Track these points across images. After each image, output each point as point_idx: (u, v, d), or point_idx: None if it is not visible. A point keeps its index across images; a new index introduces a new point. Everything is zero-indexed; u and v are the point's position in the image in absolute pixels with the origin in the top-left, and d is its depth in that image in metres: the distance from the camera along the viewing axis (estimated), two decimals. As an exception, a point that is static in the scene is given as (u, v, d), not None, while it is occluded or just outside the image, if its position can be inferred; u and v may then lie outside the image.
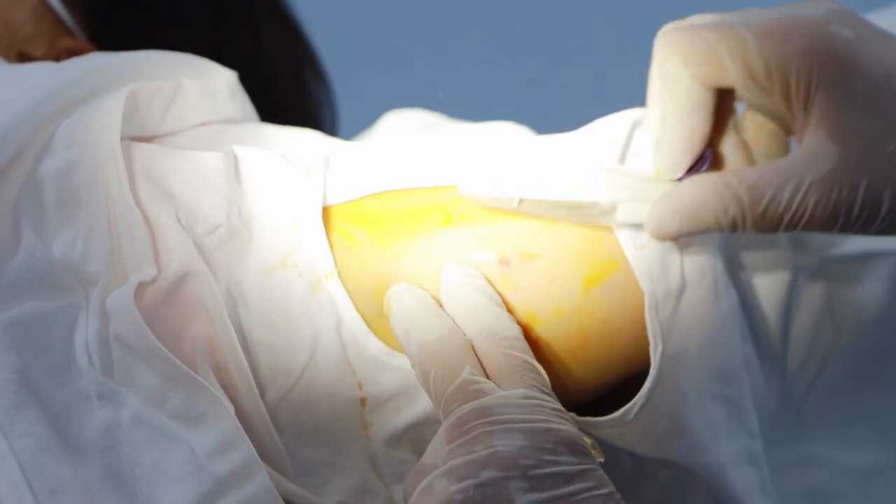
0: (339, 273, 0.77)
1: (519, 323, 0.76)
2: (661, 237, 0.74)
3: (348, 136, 1.10)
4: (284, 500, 0.72)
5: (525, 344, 0.74)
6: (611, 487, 0.67)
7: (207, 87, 0.85)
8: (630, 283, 0.77)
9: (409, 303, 0.75)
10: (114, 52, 0.84)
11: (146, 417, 0.71)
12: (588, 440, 0.70)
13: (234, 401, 0.73)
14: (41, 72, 0.80)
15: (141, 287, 0.72)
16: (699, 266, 0.77)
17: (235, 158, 0.78)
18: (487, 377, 0.72)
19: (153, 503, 0.70)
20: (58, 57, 1.03)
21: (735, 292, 0.81)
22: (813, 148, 0.71)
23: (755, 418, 0.82)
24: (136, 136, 0.80)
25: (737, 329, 0.81)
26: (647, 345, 0.77)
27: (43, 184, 0.74)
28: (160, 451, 0.71)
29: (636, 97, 0.85)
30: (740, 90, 0.73)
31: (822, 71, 0.71)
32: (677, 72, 0.72)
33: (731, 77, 0.72)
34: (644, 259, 0.76)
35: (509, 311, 0.76)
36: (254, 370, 0.75)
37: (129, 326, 0.71)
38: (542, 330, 0.77)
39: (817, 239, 0.87)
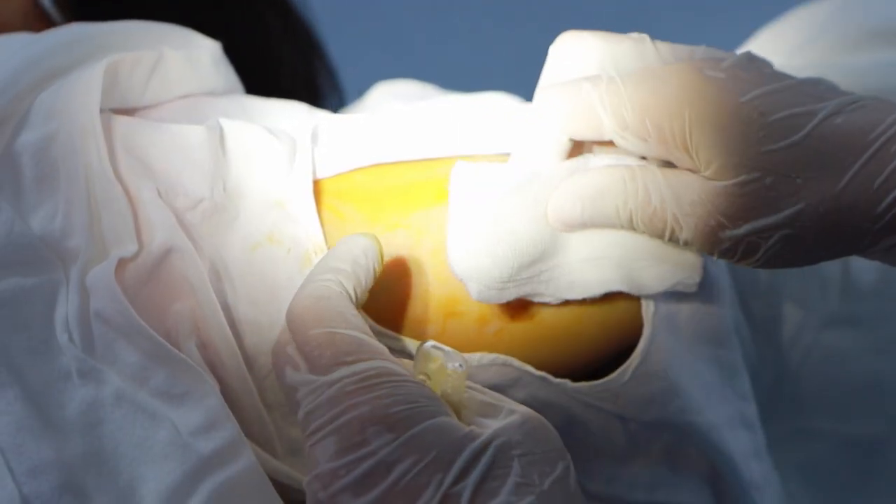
0: (328, 249, 0.75)
1: (517, 301, 0.75)
2: (563, 225, 0.73)
3: (337, 107, 1.09)
4: (271, 478, 0.71)
5: (337, 308, 0.68)
6: (440, 444, 0.63)
7: (190, 57, 0.84)
8: None
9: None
10: (93, 22, 0.83)
11: (129, 395, 0.69)
12: (433, 363, 0.66)
13: (220, 378, 0.72)
14: (17, 42, 0.79)
15: (122, 263, 0.71)
16: None
17: (221, 131, 0.77)
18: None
19: (136, 482, 0.69)
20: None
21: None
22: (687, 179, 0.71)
23: (748, 382, 0.82)
24: (117, 109, 0.78)
25: (727, 293, 0.80)
26: (640, 308, 0.77)
27: (20, 157, 0.72)
28: (143, 429, 0.69)
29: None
30: (617, 141, 0.72)
31: (693, 112, 0.70)
32: (552, 131, 0.72)
33: (608, 131, 0.71)
34: None
35: None
36: (239, 347, 0.74)
37: (109, 303, 0.70)
38: (537, 306, 0.76)
39: None
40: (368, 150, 0.79)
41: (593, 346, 0.78)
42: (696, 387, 0.78)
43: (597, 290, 0.75)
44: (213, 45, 0.87)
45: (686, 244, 0.71)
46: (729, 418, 0.80)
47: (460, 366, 0.67)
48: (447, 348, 0.67)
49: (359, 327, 0.67)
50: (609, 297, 0.76)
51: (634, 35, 0.74)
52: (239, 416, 0.71)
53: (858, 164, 0.69)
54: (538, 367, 0.76)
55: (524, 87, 0.99)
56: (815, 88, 0.71)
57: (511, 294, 0.74)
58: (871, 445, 0.91)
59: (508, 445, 0.64)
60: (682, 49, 0.74)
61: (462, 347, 0.75)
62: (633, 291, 0.76)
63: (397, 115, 0.82)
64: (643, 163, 0.73)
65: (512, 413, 0.65)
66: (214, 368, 0.72)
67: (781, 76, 0.72)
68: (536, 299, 0.75)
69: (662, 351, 0.77)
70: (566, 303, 0.76)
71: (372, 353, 0.66)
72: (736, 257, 0.71)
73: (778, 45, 1.03)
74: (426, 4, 1.49)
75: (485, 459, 0.63)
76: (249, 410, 0.73)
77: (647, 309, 0.77)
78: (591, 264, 0.74)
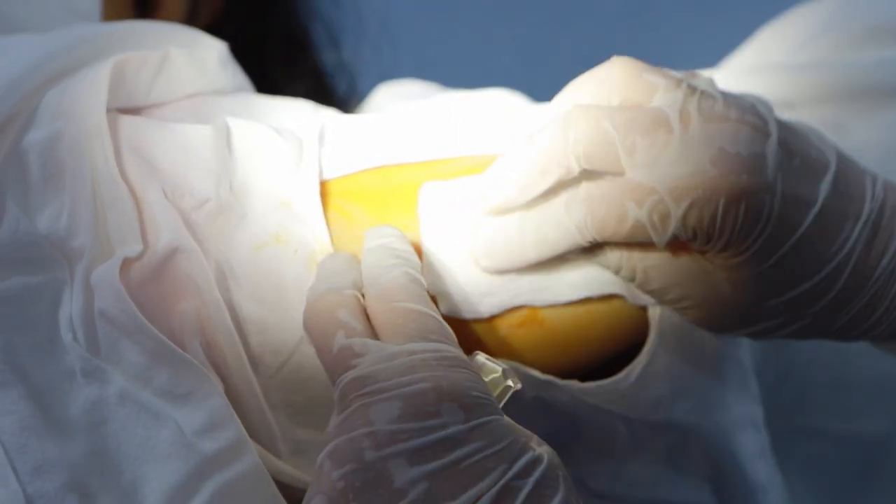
0: (334, 250, 0.75)
1: (523, 305, 0.75)
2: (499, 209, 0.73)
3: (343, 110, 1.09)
4: (275, 479, 0.71)
5: (418, 292, 0.70)
6: (509, 438, 0.64)
7: (196, 56, 0.84)
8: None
9: (335, 259, 0.74)
10: (99, 23, 0.83)
11: (132, 394, 0.70)
12: (493, 374, 0.67)
13: (225, 378, 0.72)
14: (24, 42, 0.79)
15: (127, 263, 0.71)
16: None
17: (228, 131, 0.77)
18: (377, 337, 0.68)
19: (140, 481, 0.69)
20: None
21: None
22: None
23: (756, 383, 0.82)
24: (123, 108, 0.78)
25: None
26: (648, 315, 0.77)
27: (27, 156, 0.73)
28: (146, 428, 0.69)
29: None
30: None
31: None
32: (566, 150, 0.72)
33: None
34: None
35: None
36: (245, 346, 0.74)
37: (114, 302, 0.70)
38: (545, 312, 0.76)
39: None
40: (375, 150, 0.79)
41: (601, 348, 0.78)
42: (704, 388, 0.79)
43: (583, 293, 0.75)
44: (219, 45, 0.87)
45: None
46: (736, 419, 0.80)
47: (516, 383, 0.68)
48: (504, 363, 0.68)
49: (441, 319, 0.68)
50: (618, 301, 0.76)
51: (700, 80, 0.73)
52: (243, 416, 0.71)
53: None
54: (545, 370, 0.76)
55: (526, 86, 0.99)
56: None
57: (491, 306, 0.75)
58: (875, 444, 0.91)
59: (557, 465, 0.64)
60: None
61: (467, 352, 0.75)
62: (630, 299, 0.76)
63: (404, 116, 0.82)
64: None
65: (542, 443, 0.66)
66: (219, 368, 0.72)
67: None
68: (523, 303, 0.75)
69: (669, 352, 0.77)
70: (573, 306, 0.76)
71: (454, 342, 0.67)
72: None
73: (780, 43, 1.03)
74: (427, 4, 1.49)
75: (541, 468, 0.63)
76: (253, 410, 0.73)
77: (654, 311, 0.77)
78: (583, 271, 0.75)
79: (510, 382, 0.67)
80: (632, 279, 0.74)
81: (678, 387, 0.77)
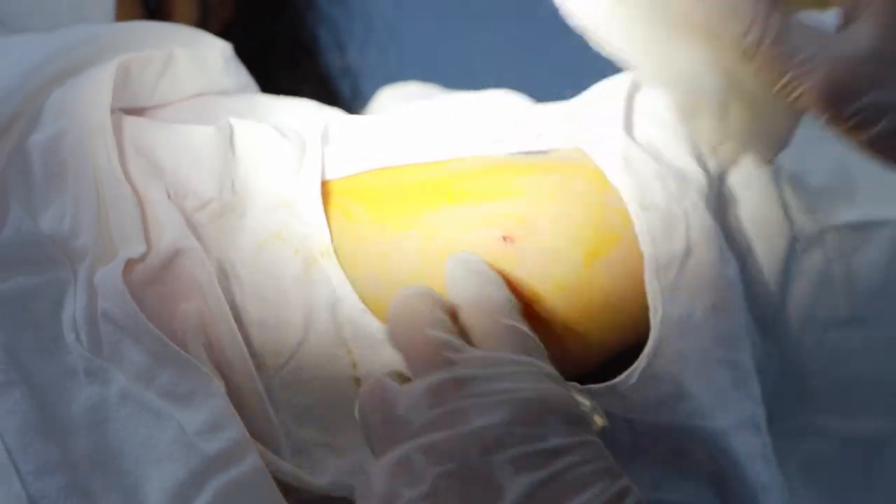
0: (335, 250, 0.75)
1: (522, 299, 0.75)
2: None
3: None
4: (276, 479, 0.71)
5: (517, 312, 0.71)
6: (606, 461, 0.65)
7: (199, 56, 0.84)
8: (633, 251, 0.77)
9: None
10: (103, 24, 0.83)
11: (134, 394, 0.70)
12: (586, 404, 0.67)
13: (227, 378, 0.72)
14: (29, 42, 0.79)
15: (130, 264, 0.71)
16: (706, 231, 0.77)
17: (231, 131, 0.77)
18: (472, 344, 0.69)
19: (142, 481, 0.69)
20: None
21: (734, 258, 0.80)
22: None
23: (758, 385, 0.82)
24: (127, 108, 0.79)
25: (741, 294, 0.80)
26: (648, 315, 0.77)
27: (30, 156, 0.73)
28: (148, 428, 0.69)
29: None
30: None
31: None
32: None
33: None
34: (648, 220, 0.76)
35: (512, 288, 0.75)
36: (247, 346, 0.74)
37: (116, 303, 0.70)
38: (544, 305, 0.76)
39: (816, 208, 0.86)
40: (379, 150, 0.79)
41: (602, 345, 0.78)
42: (707, 391, 0.78)
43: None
44: (223, 44, 0.87)
45: (797, 98, 0.69)
46: (739, 422, 0.80)
47: (604, 421, 0.68)
48: (590, 400, 0.69)
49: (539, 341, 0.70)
50: (619, 296, 0.76)
51: None
52: (245, 416, 0.71)
53: None
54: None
55: (527, 88, 0.99)
56: None
57: None
58: (877, 443, 0.91)
59: (644, 500, 0.65)
60: None
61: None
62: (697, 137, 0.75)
63: (407, 116, 0.82)
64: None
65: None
66: (221, 368, 0.72)
67: None
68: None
69: (670, 354, 0.77)
70: (575, 302, 0.76)
71: (550, 363, 0.68)
72: (848, 125, 0.70)
73: None
74: (433, 9, 1.49)
75: (633, 496, 0.64)
76: (256, 410, 0.73)
77: (655, 313, 0.76)
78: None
79: (597, 418, 0.68)
80: None
81: (679, 389, 0.77)
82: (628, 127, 0.80)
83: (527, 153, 0.80)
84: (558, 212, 0.77)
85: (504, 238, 0.76)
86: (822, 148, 0.88)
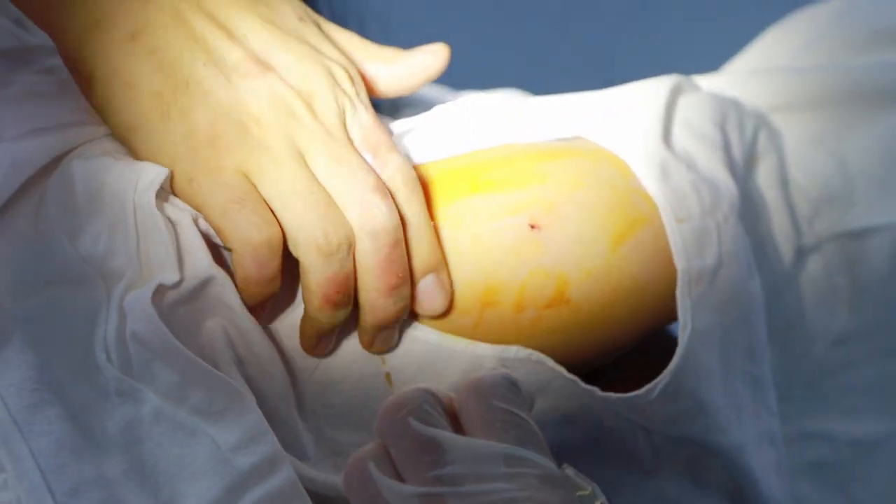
0: None
1: (549, 286, 0.76)
2: None
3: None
4: (309, 490, 0.71)
5: (518, 394, 0.68)
6: None
7: None
8: (658, 237, 0.77)
9: None
10: None
11: (167, 413, 0.70)
12: (586, 488, 0.65)
13: (257, 391, 0.73)
14: None
15: (161, 289, 0.72)
16: (736, 245, 0.78)
17: None
18: (462, 432, 0.67)
19: (177, 498, 0.70)
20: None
21: (758, 271, 0.82)
22: None
23: (774, 396, 0.83)
24: None
25: (762, 307, 0.81)
26: (675, 298, 0.77)
27: (72, 178, 0.73)
28: (182, 446, 0.70)
29: (642, 66, 0.84)
30: None
31: None
32: None
33: None
34: (682, 234, 0.77)
35: (539, 274, 0.76)
36: (279, 353, 0.75)
37: (145, 325, 0.70)
38: (571, 292, 0.77)
39: (816, 217, 0.87)
40: (404, 148, 0.80)
41: (625, 331, 0.79)
42: (726, 406, 0.79)
43: None
44: None
45: None
46: (756, 436, 0.81)
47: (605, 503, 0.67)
48: (590, 483, 0.67)
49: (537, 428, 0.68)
50: (643, 281, 0.77)
51: None
52: (277, 427, 0.72)
53: None
54: (571, 355, 0.77)
55: (528, 87, 0.99)
56: None
57: None
58: (881, 446, 0.92)
59: None
60: None
61: (499, 337, 0.76)
62: None
63: (422, 118, 0.82)
64: None
65: None
66: (251, 382, 0.73)
67: None
68: None
69: (694, 369, 0.77)
70: (603, 287, 0.77)
71: (549, 454, 0.66)
72: None
73: (782, 47, 1.04)
74: (431, 7, 1.49)
75: None
76: (285, 417, 0.74)
77: (684, 329, 0.77)
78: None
79: (599, 503, 0.66)
80: None
81: (698, 405, 0.78)
82: (666, 135, 0.80)
83: (551, 140, 0.81)
84: (585, 197, 0.78)
85: (532, 226, 0.77)
86: (822, 148, 0.89)
